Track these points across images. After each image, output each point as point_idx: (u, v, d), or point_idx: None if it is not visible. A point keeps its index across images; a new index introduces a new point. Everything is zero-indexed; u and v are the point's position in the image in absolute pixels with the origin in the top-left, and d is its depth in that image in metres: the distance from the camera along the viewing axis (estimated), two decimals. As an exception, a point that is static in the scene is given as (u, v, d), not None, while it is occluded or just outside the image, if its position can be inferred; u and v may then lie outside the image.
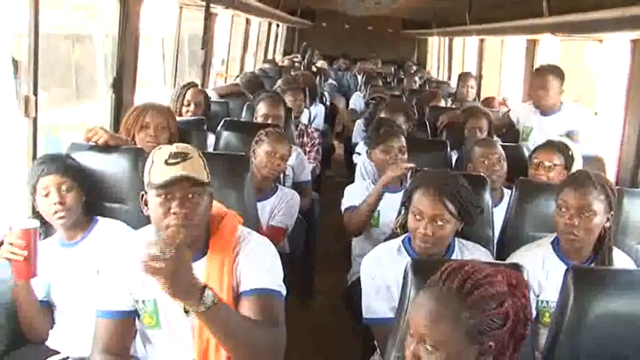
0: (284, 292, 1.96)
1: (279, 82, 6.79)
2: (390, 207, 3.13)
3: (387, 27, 14.83)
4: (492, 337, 1.45)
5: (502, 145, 3.49)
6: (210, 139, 3.98)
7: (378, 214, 3.30)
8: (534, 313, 2.37)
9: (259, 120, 4.22)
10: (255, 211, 2.94)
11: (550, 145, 3.34)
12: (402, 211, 2.54)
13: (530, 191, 2.87)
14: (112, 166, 2.63)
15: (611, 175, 3.69)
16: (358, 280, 2.57)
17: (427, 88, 8.02)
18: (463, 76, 6.58)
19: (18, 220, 2.28)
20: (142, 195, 1.98)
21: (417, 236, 2.34)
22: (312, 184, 4.29)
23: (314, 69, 10.23)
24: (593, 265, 2.41)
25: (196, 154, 1.95)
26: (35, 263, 2.16)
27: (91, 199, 2.49)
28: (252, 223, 2.59)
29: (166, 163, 1.88)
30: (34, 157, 2.80)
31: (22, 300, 2.30)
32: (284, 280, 2.00)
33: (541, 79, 4.24)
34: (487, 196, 2.78)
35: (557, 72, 4.23)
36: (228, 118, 4.23)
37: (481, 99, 6.76)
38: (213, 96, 5.24)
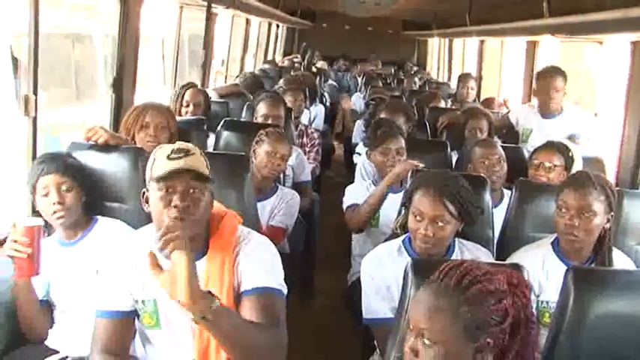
0: (285, 291, 1.96)
1: (281, 81, 6.80)
2: (390, 207, 3.14)
3: (387, 28, 14.83)
4: (491, 334, 1.45)
5: (502, 146, 3.49)
6: (211, 139, 3.98)
7: (378, 214, 3.30)
8: (534, 313, 2.37)
9: (259, 120, 4.21)
10: (255, 211, 2.93)
11: (550, 146, 3.34)
12: (402, 212, 2.54)
13: (530, 192, 2.87)
14: (112, 166, 2.63)
15: (610, 176, 3.69)
16: (358, 280, 2.57)
17: (427, 89, 8.02)
18: (463, 77, 6.58)
19: (21, 218, 2.28)
20: (143, 192, 1.98)
21: (418, 237, 2.34)
22: (312, 184, 4.29)
23: (314, 69, 10.23)
24: (593, 265, 2.41)
25: (198, 152, 1.96)
26: (38, 261, 2.15)
27: (91, 198, 2.49)
28: (252, 223, 2.59)
29: (168, 157, 1.90)
30: (34, 156, 2.80)
31: (23, 299, 2.30)
32: (284, 280, 2.00)
33: (551, 81, 4.19)
34: (487, 197, 2.78)
35: (563, 74, 4.21)
36: (228, 118, 4.23)
37: (481, 100, 6.76)
38: (214, 96, 5.24)
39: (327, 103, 8.92)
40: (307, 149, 4.85)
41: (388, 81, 9.62)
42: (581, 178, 2.42)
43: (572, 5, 4.39)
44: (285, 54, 12.84)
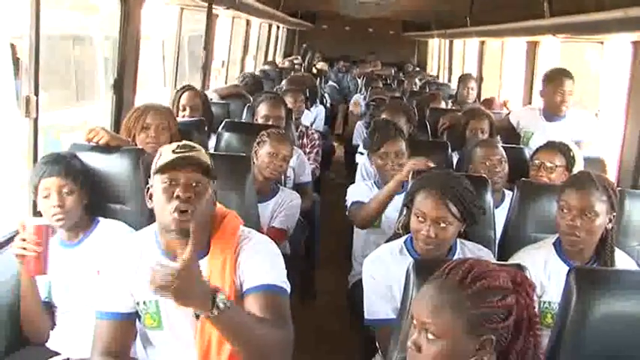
0: (288, 289, 1.95)
1: (284, 82, 6.80)
2: (392, 208, 3.13)
3: (387, 29, 14.83)
4: (494, 330, 1.45)
5: (503, 147, 3.48)
6: (211, 140, 3.98)
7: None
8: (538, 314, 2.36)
9: (260, 121, 4.21)
10: (257, 212, 2.93)
11: (551, 146, 3.33)
12: (404, 212, 2.54)
13: (532, 192, 2.87)
14: (113, 167, 2.62)
15: (612, 177, 3.69)
16: (359, 281, 2.56)
17: (427, 90, 8.02)
18: (463, 78, 6.57)
19: (30, 218, 2.28)
20: (148, 188, 1.99)
21: (420, 238, 2.34)
22: (312, 185, 4.29)
23: (314, 71, 10.23)
24: (595, 266, 2.40)
25: (203, 150, 1.99)
26: (46, 260, 2.15)
27: (93, 200, 2.49)
28: (253, 224, 2.59)
29: (174, 151, 1.92)
30: (35, 157, 2.79)
31: (28, 298, 2.30)
32: (285, 281, 2.00)
33: (560, 84, 4.14)
34: (488, 197, 2.79)
35: (571, 76, 4.16)
36: (228, 120, 4.23)
37: (481, 100, 6.75)
38: (214, 97, 5.24)
39: (328, 104, 8.93)
40: (307, 150, 4.84)
41: (388, 82, 9.61)
42: (583, 178, 2.42)
43: (573, 5, 4.39)
44: (286, 55, 12.84)
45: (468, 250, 2.46)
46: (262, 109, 4.25)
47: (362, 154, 3.89)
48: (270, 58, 10.62)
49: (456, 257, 2.37)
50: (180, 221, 1.85)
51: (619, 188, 2.58)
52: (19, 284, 2.32)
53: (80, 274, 2.37)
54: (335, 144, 8.16)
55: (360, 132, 5.88)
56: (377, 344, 2.43)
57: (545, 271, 2.40)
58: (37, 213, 2.43)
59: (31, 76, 2.76)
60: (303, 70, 9.75)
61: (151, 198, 1.96)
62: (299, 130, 4.96)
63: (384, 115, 4.52)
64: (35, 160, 2.76)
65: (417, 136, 4.74)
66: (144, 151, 2.74)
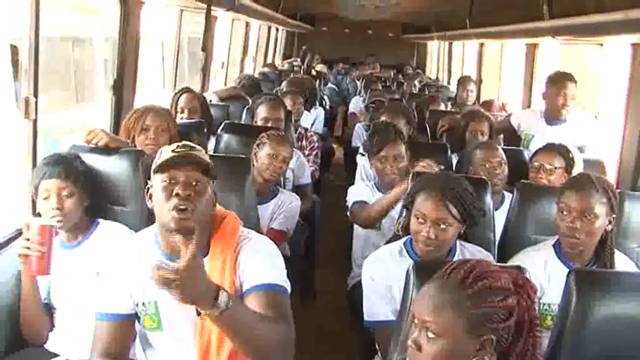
0: (289, 288, 1.95)
1: (284, 84, 6.81)
2: (392, 209, 3.13)
3: (387, 31, 14.85)
4: (494, 330, 1.45)
5: (503, 149, 3.48)
6: (211, 142, 3.98)
7: None
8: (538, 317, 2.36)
9: (259, 123, 4.21)
10: (256, 214, 2.94)
11: (551, 148, 3.34)
12: (404, 214, 2.53)
13: (531, 194, 2.87)
14: (112, 168, 2.62)
15: (611, 179, 3.69)
16: (359, 282, 2.56)
17: (427, 92, 8.03)
18: (463, 80, 6.57)
19: (34, 217, 2.28)
20: (148, 188, 1.99)
21: (420, 239, 2.34)
22: (311, 186, 4.29)
23: (313, 73, 10.23)
24: (595, 268, 2.40)
25: (203, 150, 2.00)
26: (50, 260, 2.15)
27: (94, 202, 2.48)
28: (253, 225, 2.58)
29: (173, 151, 1.92)
30: (34, 158, 2.78)
31: (29, 298, 2.30)
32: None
33: (564, 87, 4.13)
34: (488, 199, 2.79)
35: (574, 80, 4.15)
36: (228, 121, 4.23)
37: (480, 103, 6.75)
38: (214, 99, 5.24)
39: (327, 107, 8.93)
40: (306, 152, 4.84)
41: (388, 84, 9.62)
42: (583, 180, 2.42)
43: (572, 7, 4.39)
44: (285, 57, 12.85)
45: (468, 251, 2.46)
46: (262, 111, 4.25)
47: (363, 155, 3.88)
48: (269, 60, 10.63)
49: (455, 259, 2.37)
50: (179, 219, 1.85)
51: (618, 190, 2.58)
52: (18, 285, 2.32)
53: (79, 275, 2.36)
54: (334, 146, 8.15)
55: (359, 134, 5.88)
56: (376, 346, 2.42)
57: (545, 272, 2.39)
58: (36, 213, 2.43)
59: (31, 78, 2.76)
60: (302, 72, 9.75)
61: (150, 198, 1.96)
62: (298, 132, 4.96)
63: (383, 118, 4.52)
64: (34, 161, 2.76)
65: (417, 138, 4.75)
66: (143, 153, 2.74)
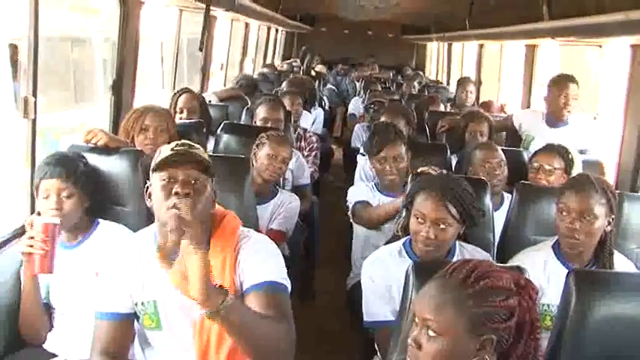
0: (289, 286, 1.94)
1: (284, 84, 6.81)
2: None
3: (386, 32, 14.86)
4: (495, 330, 1.45)
5: (502, 149, 3.48)
6: (210, 143, 3.97)
7: None
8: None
9: (259, 123, 4.21)
10: (255, 214, 2.94)
11: (550, 149, 3.34)
12: (404, 214, 2.53)
13: (531, 195, 2.87)
14: (112, 168, 2.62)
15: (610, 180, 3.69)
16: (358, 283, 2.56)
17: (426, 92, 8.04)
18: (462, 82, 6.58)
19: (37, 216, 2.27)
20: (147, 188, 1.98)
21: (419, 239, 2.34)
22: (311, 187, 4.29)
23: (313, 73, 10.23)
24: (594, 268, 2.40)
25: (202, 149, 1.99)
26: (53, 258, 2.15)
27: (95, 202, 2.47)
28: (252, 225, 2.58)
29: (172, 149, 1.92)
30: (33, 158, 2.78)
31: (30, 299, 2.29)
32: (285, 282, 1.99)
33: (567, 89, 4.14)
34: (488, 200, 2.79)
35: (577, 82, 4.16)
36: (227, 122, 4.23)
37: (479, 104, 6.75)
38: (213, 99, 5.24)
39: (326, 107, 8.93)
40: (305, 153, 4.84)
41: (387, 85, 9.62)
42: (582, 180, 2.42)
43: (572, 8, 4.39)
44: (285, 58, 12.85)
45: (467, 252, 2.46)
46: (261, 112, 4.25)
47: (364, 155, 3.87)
48: (269, 61, 10.63)
49: (454, 259, 2.37)
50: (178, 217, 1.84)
51: (618, 191, 2.58)
52: (17, 285, 2.32)
53: (79, 275, 2.36)
54: (333, 147, 8.16)
55: (358, 134, 5.88)
56: (376, 346, 2.42)
57: (545, 273, 2.40)
58: (36, 213, 2.42)
59: (30, 77, 2.75)
60: (302, 72, 9.75)
61: (150, 197, 1.96)
62: (297, 132, 4.96)
63: (383, 118, 4.52)
64: (33, 160, 2.75)
65: (416, 138, 4.75)
66: (142, 153, 2.74)
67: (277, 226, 3.33)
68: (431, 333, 1.46)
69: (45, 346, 2.38)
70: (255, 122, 4.29)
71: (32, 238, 2.13)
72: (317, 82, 8.87)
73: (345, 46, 14.41)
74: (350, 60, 13.49)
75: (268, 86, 7.34)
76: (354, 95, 9.71)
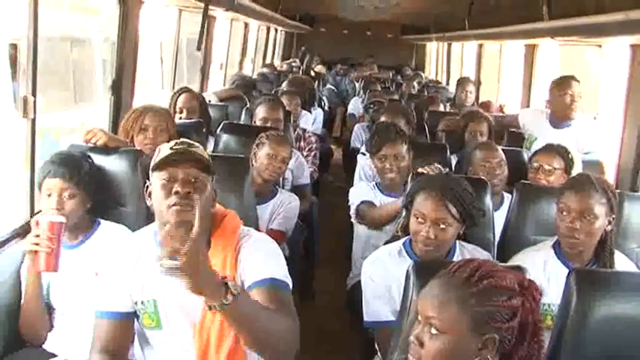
0: (291, 284, 1.93)
1: (284, 84, 6.81)
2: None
3: (386, 32, 14.86)
4: (497, 329, 1.44)
5: (502, 149, 3.48)
6: (209, 142, 3.97)
7: None
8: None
9: (258, 123, 4.21)
10: (255, 214, 2.94)
11: (550, 149, 3.34)
12: (404, 214, 2.53)
13: (531, 195, 2.87)
14: (111, 168, 2.62)
15: (610, 180, 3.68)
16: (358, 283, 2.56)
17: (426, 93, 8.04)
18: (462, 82, 6.57)
19: (43, 215, 2.27)
20: (147, 187, 1.98)
21: (419, 239, 2.34)
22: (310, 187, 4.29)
23: (312, 74, 10.23)
24: (594, 268, 2.40)
25: (201, 147, 1.99)
26: (58, 257, 2.16)
27: (97, 202, 2.47)
28: (252, 225, 2.57)
29: (171, 148, 1.92)
30: (32, 158, 2.78)
31: (32, 298, 2.29)
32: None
33: (573, 85, 4.12)
34: (488, 200, 2.79)
35: (579, 83, 4.16)
36: (227, 121, 4.23)
37: (479, 104, 6.75)
38: (213, 99, 5.24)
39: (326, 107, 8.93)
40: (305, 153, 4.83)
41: (387, 85, 9.62)
42: (583, 180, 2.42)
43: (572, 8, 4.39)
44: (284, 58, 12.85)
45: (467, 252, 2.45)
46: (261, 112, 4.25)
47: (364, 154, 3.87)
48: (268, 61, 10.63)
49: (455, 259, 2.37)
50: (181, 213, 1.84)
51: (618, 191, 2.58)
52: (17, 285, 2.32)
53: (79, 275, 2.35)
54: (333, 147, 8.16)
55: (358, 134, 5.88)
56: (376, 346, 2.42)
57: (545, 273, 2.39)
58: (36, 214, 2.42)
59: (29, 77, 2.75)
60: (301, 73, 9.75)
61: (150, 196, 1.96)
62: (296, 132, 4.96)
63: (383, 118, 4.52)
64: (33, 160, 2.75)
65: (416, 138, 4.74)
66: (142, 153, 2.73)
67: (277, 226, 3.33)
68: (433, 331, 1.46)
69: (45, 346, 2.38)
70: (254, 122, 4.29)
71: (37, 236, 2.13)
72: (316, 82, 8.87)
73: (345, 46, 14.41)
74: (349, 60, 13.48)
75: (268, 86, 7.34)
76: (354, 95, 9.71)
